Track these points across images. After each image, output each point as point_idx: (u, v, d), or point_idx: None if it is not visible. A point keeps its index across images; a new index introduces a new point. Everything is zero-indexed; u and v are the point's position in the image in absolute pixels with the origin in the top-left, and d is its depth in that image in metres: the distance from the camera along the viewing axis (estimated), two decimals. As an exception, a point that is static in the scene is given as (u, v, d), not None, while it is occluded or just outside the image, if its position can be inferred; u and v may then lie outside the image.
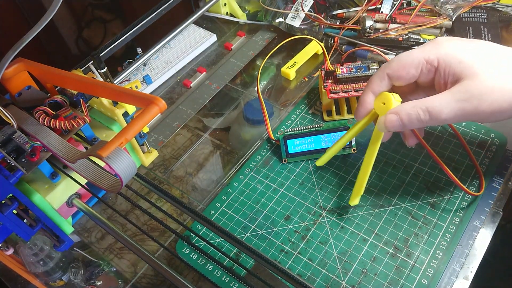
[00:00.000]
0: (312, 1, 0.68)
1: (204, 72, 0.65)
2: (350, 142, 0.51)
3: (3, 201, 0.37)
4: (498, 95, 0.37)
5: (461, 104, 0.37)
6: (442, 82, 0.40)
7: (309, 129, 0.51)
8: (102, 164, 0.37)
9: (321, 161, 0.49)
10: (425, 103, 0.38)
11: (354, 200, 0.46)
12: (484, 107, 0.37)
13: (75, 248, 0.48)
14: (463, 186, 0.45)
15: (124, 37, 0.60)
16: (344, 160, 0.52)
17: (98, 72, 0.53)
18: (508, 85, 0.37)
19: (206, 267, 0.45)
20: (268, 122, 0.54)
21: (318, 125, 0.51)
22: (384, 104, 0.40)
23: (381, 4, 0.64)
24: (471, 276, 0.42)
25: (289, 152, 0.52)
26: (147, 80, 0.63)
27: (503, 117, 0.38)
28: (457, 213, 0.46)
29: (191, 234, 0.46)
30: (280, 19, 0.69)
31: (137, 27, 0.61)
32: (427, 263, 0.43)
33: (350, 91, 0.53)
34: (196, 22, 0.70)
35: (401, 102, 0.41)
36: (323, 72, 0.55)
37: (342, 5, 0.67)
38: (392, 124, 0.40)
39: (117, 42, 0.59)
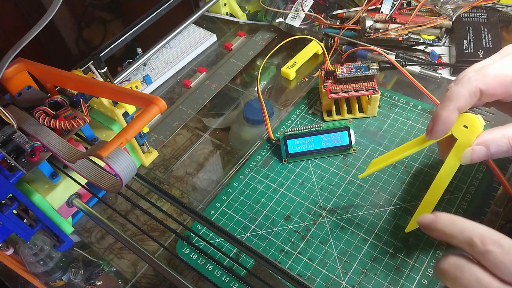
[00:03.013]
0: (312, 1, 0.68)
1: (204, 72, 0.65)
2: (350, 142, 0.51)
3: (3, 201, 0.37)
4: None
5: None
6: None
7: (309, 129, 0.51)
8: (102, 164, 0.37)
9: (366, 172, 0.44)
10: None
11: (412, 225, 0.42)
12: None
13: (75, 248, 0.48)
14: None
15: (124, 37, 0.60)
16: (344, 160, 0.52)
17: (98, 72, 0.54)
18: None
19: (206, 267, 0.45)
20: (268, 122, 0.54)
21: (318, 125, 0.51)
22: (467, 127, 0.35)
23: (381, 4, 0.64)
24: (471, 276, 0.42)
25: (289, 152, 0.52)
26: (147, 80, 0.63)
27: None
28: (457, 213, 0.46)
29: (191, 234, 0.46)
30: (280, 19, 0.69)
31: (137, 27, 0.61)
32: (427, 263, 0.43)
33: (350, 91, 0.53)
34: (196, 22, 0.70)
35: None
36: (323, 72, 0.55)
37: (342, 5, 0.67)
38: (479, 157, 0.36)
39: (117, 42, 0.59)
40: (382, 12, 0.63)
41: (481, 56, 0.57)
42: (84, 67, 0.56)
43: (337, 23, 0.65)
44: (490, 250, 0.28)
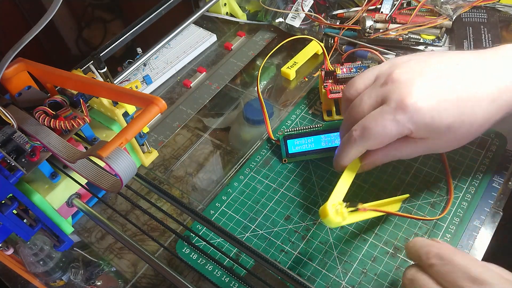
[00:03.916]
0: (312, 1, 0.68)
1: (204, 72, 0.65)
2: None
3: (3, 201, 0.37)
4: (460, 143, 0.41)
5: (426, 152, 0.42)
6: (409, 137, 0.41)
7: (309, 129, 0.51)
8: (102, 164, 0.37)
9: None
10: (395, 154, 0.42)
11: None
12: (447, 150, 0.43)
13: (75, 248, 0.48)
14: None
15: (124, 37, 0.60)
16: (344, 160, 0.52)
17: (98, 72, 0.54)
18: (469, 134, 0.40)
19: (206, 267, 0.45)
20: (268, 122, 0.54)
21: (318, 125, 0.51)
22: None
23: (381, 4, 0.64)
24: (471, 276, 0.42)
25: (289, 152, 0.52)
26: (147, 80, 0.63)
27: None
28: (457, 213, 0.46)
29: (191, 234, 0.46)
30: (280, 19, 0.69)
31: (137, 27, 0.61)
32: (427, 263, 0.43)
33: (350, 91, 0.53)
34: (196, 22, 0.70)
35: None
36: (323, 72, 0.55)
37: (342, 5, 0.67)
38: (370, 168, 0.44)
39: (117, 42, 0.59)
40: (382, 12, 0.63)
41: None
42: (84, 67, 0.56)
43: (337, 23, 0.65)
44: (433, 263, 0.33)
